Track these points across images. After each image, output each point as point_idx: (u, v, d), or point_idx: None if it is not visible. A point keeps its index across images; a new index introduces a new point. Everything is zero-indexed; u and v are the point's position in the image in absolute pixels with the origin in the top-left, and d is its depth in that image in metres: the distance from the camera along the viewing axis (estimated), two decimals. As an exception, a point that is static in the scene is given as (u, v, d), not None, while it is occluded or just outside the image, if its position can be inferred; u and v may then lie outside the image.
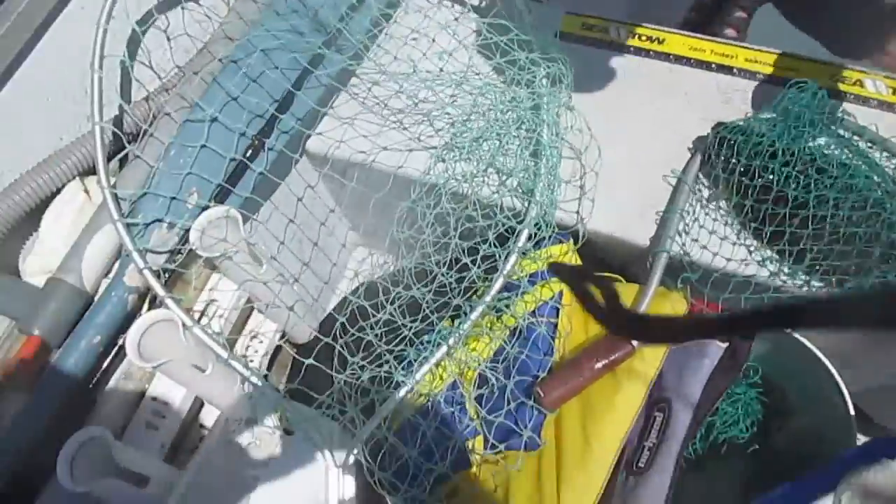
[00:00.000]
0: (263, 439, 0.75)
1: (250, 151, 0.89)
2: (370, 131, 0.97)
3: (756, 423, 0.97)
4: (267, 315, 0.94)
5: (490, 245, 0.89)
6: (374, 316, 0.87)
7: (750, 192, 0.82)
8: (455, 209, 0.91)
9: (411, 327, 0.85)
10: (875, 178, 0.81)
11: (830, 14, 1.16)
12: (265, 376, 0.76)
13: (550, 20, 1.04)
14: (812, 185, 0.79)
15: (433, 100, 0.98)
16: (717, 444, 0.97)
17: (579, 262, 0.91)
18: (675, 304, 0.81)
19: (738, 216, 0.85)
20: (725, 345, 0.80)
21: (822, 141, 0.84)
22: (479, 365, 0.83)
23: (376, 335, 0.86)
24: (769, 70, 0.95)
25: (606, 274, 0.90)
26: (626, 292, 0.84)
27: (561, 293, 0.86)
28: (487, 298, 0.85)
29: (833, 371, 0.84)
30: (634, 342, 0.78)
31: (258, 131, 0.89)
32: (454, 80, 0.98)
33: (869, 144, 0.85)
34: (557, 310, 0.85)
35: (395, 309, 0.88)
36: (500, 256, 0.87)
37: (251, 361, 0.92)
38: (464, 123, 0.96)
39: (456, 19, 1.02)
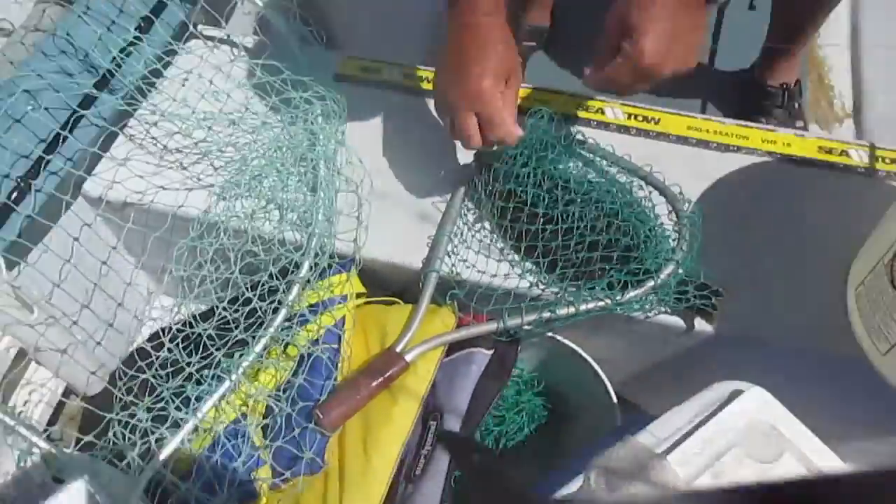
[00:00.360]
0: (31, 490, 0.72)
1: (16, 193, 0.87)
2: (148, 171, 0.97)
3: (544, 429, 1.04)
4: (44, 364, 0.91)
5: (273, 278, 0.91)
6: (157, 357, 0.87)
7: (507, 212, 0.90)
8: (236, 245, 0.92)
9: (194, 364, 0.86)
10: (613, 190, 0.91)
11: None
12: (45, 430, 0.74)
13: (329, 63, 1.09)
14: (558, 201, 0.88)
15: (212, 139, 1.00)
16: (507, 451, 1.03)
17: (360, 288, 0.95)
18: (444, 319, 0.87)
19: (499, 235, 0.93)
20: (491, 351, 0.86)
21: (570, 163, 0.94)
22: (265, 396, 0.85)
23: (160, 376, 0.86)
24: (526, 103, 1.05)
25: (385, 298, 0.95)
26: (402, 313, 0.89)
27: (343, 319, 0.90)
28: (270, 330, 0.87)
29: (596, 367, 0.93)
30: (408, 357, 0.82)
31: (24, 173, 0.87)
32: (231, 119, 1.00)
33: (607, 162, 0.96)
34: (339, 336, 0.88)
35: (179, 348, 0.88)
36: (282, 289, 0.90)
37: (23, 412, 0.88)
38: (243, 161, 0.98)
39: (231, 61, 1.05)
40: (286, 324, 0.89)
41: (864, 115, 1.42)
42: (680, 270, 0.87)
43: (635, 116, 1.04)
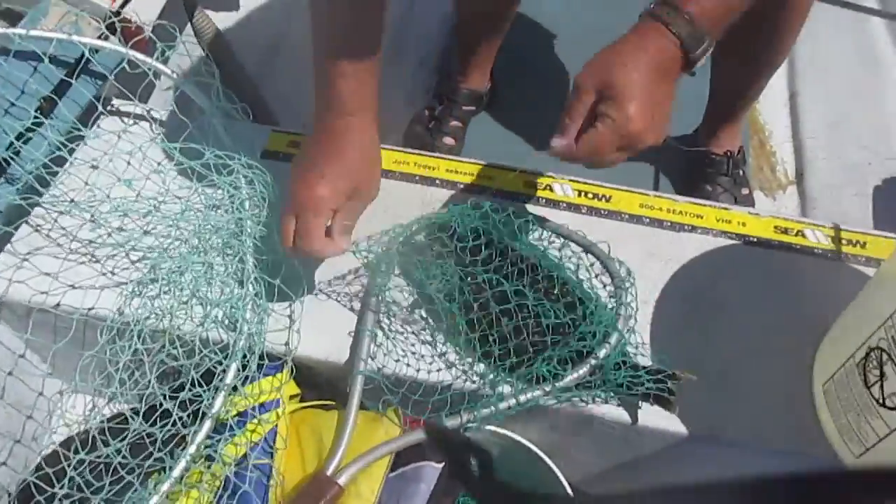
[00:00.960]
0: None
1: None
2: (55, 268, 0.87)
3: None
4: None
5: (195, 385, 0.81)
6: (59, 484, 0.76)
7: (440, 297, 0.83)
8: (153, 349, 0.82)
9: (103, 494, 0.75)
10: (557, 264, 0.86)
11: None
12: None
13: (256, 138, 1.01)
14: (499, 280, 0.82)
15: (127, 228, 0.90)
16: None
17: (295, 390, 0.86)
18: (388, 429, 0.79)
19: (431, 323, 0.85)
20: (441, 465, 0.78)
21: (513, 242, 0.88)
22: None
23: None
24: (468, 179, 0.99)
25: (321, 402, 0.86)
26: (340, 419, 0.80)
27: (274, 432, 0.81)
28: (192, 449, 0.77)
29: (549, 463, 0.85)
30: (341, 480, 0.74)
31: None
32: (150, 206, 0.91)
33: (544, 234, 0.90)
34: (271, 454, 0.79)
35: (84, 472, 0.77)
36: (207, 396, 0.80)
37: None
38: (163, 252, 0.89)
39: (150, 140, 0.96)
40: (209, 440, 0.79)
41: (806, 183, 1.41)
42: (624, 352, 0.81)
43: (586, 194, 0.99)
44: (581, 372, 0.79)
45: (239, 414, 0.82)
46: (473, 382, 0.82)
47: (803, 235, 0.96)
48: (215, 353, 0.83)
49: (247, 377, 0.83)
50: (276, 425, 0.82)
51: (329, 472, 0.75)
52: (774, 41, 1.14)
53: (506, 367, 0.81)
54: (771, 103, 1.54)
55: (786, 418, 0.82)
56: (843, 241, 0.96)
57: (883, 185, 1.38)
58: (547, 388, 0.79)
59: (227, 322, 0.86)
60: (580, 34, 1.61)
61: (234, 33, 1.43)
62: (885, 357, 0.69)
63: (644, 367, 0.79)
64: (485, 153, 1.08)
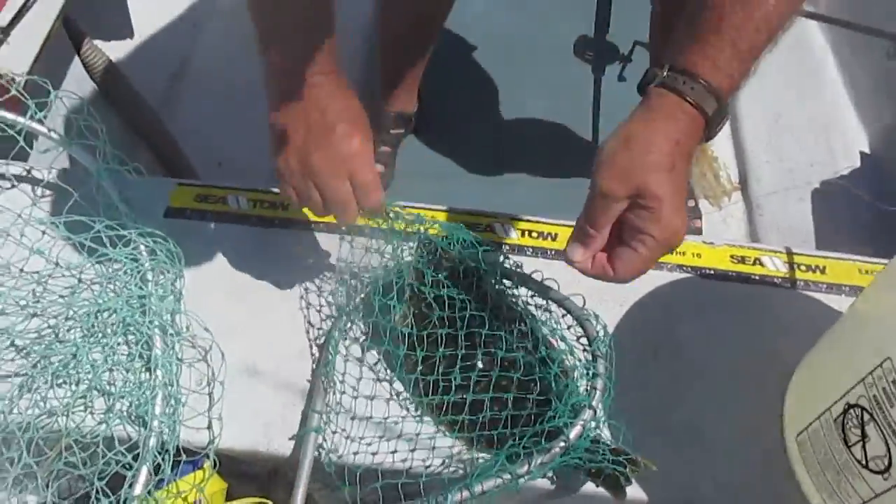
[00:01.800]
0: None
1: None
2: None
3: None
4: None
5: (101, 495, 0.71)
6: None
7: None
8: (47, 458, 0.71)
9: None
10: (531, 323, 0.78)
11: None
12: None
13: (157, 195, 0.90)
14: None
15: (10, 311, 0.79)
16: None
17: (220, 486, 0.76)
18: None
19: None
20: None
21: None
22: None
23: None
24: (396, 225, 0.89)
25: (251, 499, 0.76)
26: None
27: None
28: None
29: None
30: None
31: None
32: (36, 280, 0.80)
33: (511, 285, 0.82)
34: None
35: None
36: (113, 509, 0.70)
37: None
38: (54, 339, 0.78)
39: (32, 205, 0.84)
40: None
41: (751, 189, 1.36)
42: (594, 424, 0.74)
43: (530, 233, 0.92)
44: (549, 456, 0.71)
45: (155, 524, 0.71)
46: (445, 465, 0.73)
47: (761, 263, 0.90)
48: (122, 455, 0.72)
49: (161, 479, 0.72)
50: (199, 535, 0.71)
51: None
52: None
53: (479, 442, 0.74)
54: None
55: (760, 475, 0.76)
56: (802, 267, 0.90)
57: (831, 187, 1.34)
58: (523, 470, 0.71)
59: (133, 416, 0.75)
60: (506, 45, 1.54)
61: (130, 63, 1.30)
62: (866, 416, 0.63)
63: (606, 445, 0.72)
64: (417, 178, 0.99)
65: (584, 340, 0.78)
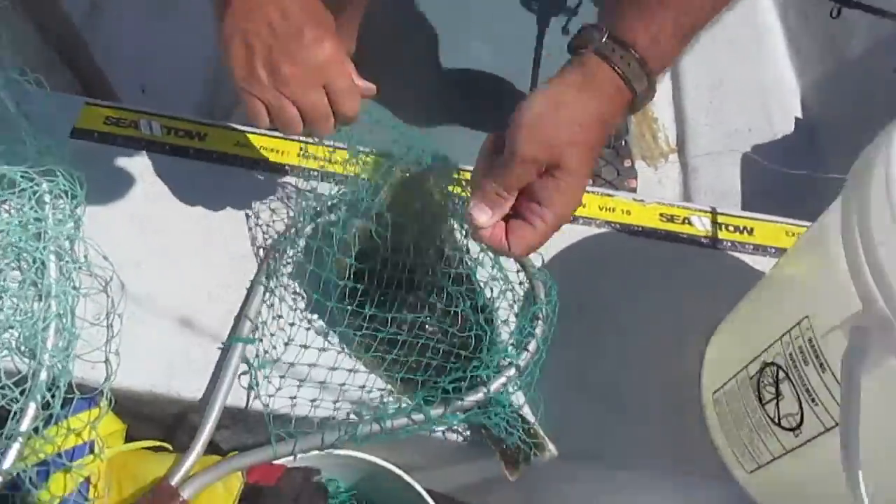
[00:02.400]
0: None
1: None
2: None
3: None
4: None
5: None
6: None
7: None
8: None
9: None
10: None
11: None
12: None
13: (63, 112, 0.83)
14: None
15: None
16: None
17: (116, 426, 0.72)
18: (227, 483, 0.67)
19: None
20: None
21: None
22: None
23: None
24: (334, 167, 0.85)
25: (148, 442, 0.72)
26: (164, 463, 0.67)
27: (87, 484, 0.67)
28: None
29: (419, 489, 0.76)
30: (185, 492, 0.62)
31: None
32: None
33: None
34: (83, 507, 0.65)
35: None
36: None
37: None
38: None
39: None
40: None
41: (688, 151, 1.36)
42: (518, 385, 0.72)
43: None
44: (472, 399, 0.69)
45: (41, 463, 0.67)
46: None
47: (690, 223, 0.89)
48: (9, 389, 0.67)
49: (51, 416, 0.68)
50: (90, 475, 0.67)
51: (173, 482, 0.64)
52: None
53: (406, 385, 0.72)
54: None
55: (674, 432, 0.75)
56: (730, 228, 0.89)
57: (766, 152, 1.35)
58: (436, 413, 0.69)
59: (23, 349, 0.70)
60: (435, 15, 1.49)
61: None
62: (781, 374, 0.63)
63: (523, 419, 0.70)
64: (353, 126, 0.94)
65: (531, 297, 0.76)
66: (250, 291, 0.75)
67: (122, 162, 0.82)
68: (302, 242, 0.77)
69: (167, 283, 0.76)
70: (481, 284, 0.76)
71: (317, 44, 0.63)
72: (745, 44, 1.49)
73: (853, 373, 0.51)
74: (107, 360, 0.72)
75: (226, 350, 0.72)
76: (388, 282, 0.70)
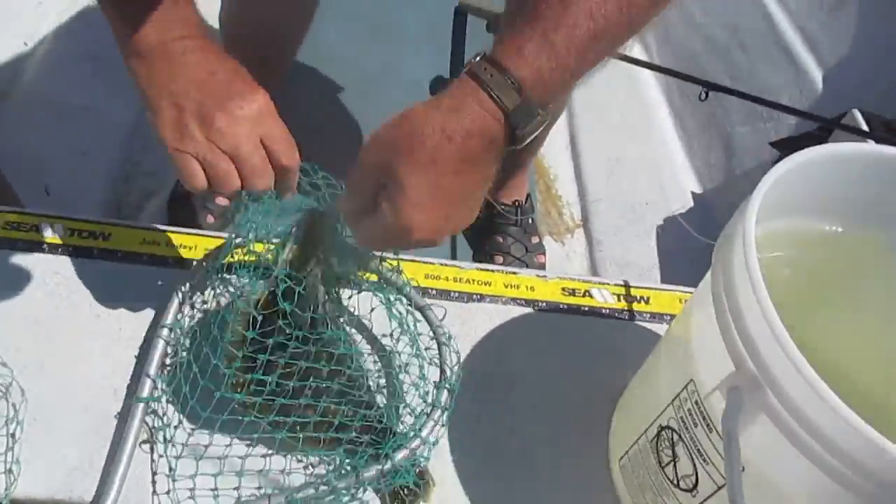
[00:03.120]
0: None
1: None
2: None
3: None
4: None
5: None
6: None
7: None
8: None
9: None
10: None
11: None
12: None
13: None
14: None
15: None
16: None
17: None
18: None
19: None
20: None
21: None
22: None
23: None
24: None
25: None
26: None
27: None
28: None
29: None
30: None
31: None
32: None
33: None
34: None
35: None
36: None
37: None
38: None
39: None
40: None
41: (591, 225, 1.42)
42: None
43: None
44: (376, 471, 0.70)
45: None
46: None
47: (590, 296, 0.93)
48: None
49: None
50: None
51: None
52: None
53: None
54: (554, 146, 1.55)
55: (585, 500, 0.77)
56: (628, 298, 0.94)
57: (664, 223, 1.42)
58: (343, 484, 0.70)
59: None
60: (360, 79, 1.54)
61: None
62: (675, 437, 0.66)
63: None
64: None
65: (436, 362, 0.78)
66: (150, 348, 0.75)
67: (24, 266, 0.81)
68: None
69: (71, 387, 0.74)
70: (387, 352, 0.78)
71: (250, 94, 0.63)
72: (635, 121, 1.59)
73: (731, 431, 0.55)
74: (8, 471, 0.69)
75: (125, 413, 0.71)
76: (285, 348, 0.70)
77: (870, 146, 0.63)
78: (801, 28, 1.44)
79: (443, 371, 0.79)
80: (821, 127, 1.29)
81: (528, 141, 0.58)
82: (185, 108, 0.62)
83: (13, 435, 0.71)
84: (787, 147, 1.37)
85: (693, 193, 1.49)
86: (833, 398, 0.48)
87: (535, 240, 1.33)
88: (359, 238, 0.62)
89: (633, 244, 1.39)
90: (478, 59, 0.55)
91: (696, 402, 0.62)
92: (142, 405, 0.72)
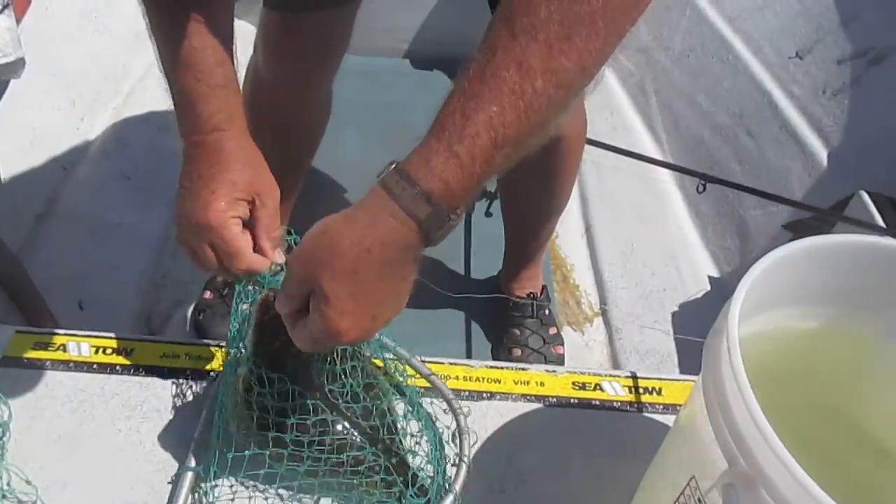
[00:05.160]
0: None
1: None
2: None
3: None
4: None
5: None
6: None
7: None
8: None
9: None
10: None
11: None
12: None
13: (-3, 342, 0.88)
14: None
15: None
16: None
17: None
18: None
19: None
20: None
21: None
22: None
23: None
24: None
25: None
26: None
27: None
28: None
29: None
30: None
31: None
32: None
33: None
34: None
35: None
36: None
37: None
38: None
39: None
40: None
41: (610, 314, 1.43)
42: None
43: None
44: None
45: None
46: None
47: (601, 388, 0.94)
48: None
49: None
50: None
51: None
52: (552, 187, 1.16)
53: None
54: (570, 236, 1.58)
55: None
56: (641, 390, 0.94)
57: (679, 310, 1.43)
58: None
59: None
60: (369, 182, 1.60)
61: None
62: (684, 535, 0.66)
63: None
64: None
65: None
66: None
67: (50, 384, 0.85)
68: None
69: (94, 502, 0.77)
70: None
71: (202, 209, 0.73)
72: (648, 209, 1.61)
73: (730, 530, 0.55)
74: None
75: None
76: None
77: (845, 237, 0.64)
78: (805, 112, 1.47)
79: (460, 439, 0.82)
80: (833, 206, 1.31)
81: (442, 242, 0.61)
82: (182, 198, 0.75)
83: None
84: (800, 228, 1.38)
85: (710, 277, 1.49)
86: (824, 497, 0.48)
87: (552, 331, 1.34)
88: (295, 340, 0.65)
89: (653, 331, 1.39)
90: (392, 167, 0.58)
91: (699, 500, 0.62)
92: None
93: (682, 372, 1.02)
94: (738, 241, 1.48)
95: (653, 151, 1.71)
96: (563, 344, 1.35)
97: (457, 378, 0.92)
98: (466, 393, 0.91)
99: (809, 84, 1.45)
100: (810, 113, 1.45)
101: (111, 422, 0.83)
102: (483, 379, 0.93)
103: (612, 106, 1.85)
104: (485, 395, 0.91)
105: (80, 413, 0.83)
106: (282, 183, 0.91)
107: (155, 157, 1.56)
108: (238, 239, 0.74)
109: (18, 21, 1.21)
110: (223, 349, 0.91)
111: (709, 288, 1.47)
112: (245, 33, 0.91)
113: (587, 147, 1.20)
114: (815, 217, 1.30)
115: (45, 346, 0.89)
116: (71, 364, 0.87)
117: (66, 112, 1.58)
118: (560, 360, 1.32)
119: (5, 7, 1.17)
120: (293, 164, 1.26)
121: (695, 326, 1.39)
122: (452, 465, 0.81)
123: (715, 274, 1.52)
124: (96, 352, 0.89)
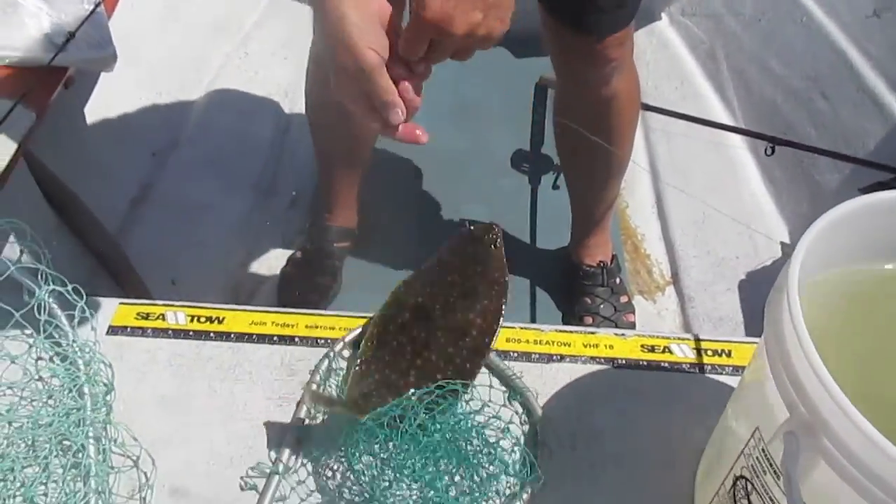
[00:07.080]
0: None
1: None
2: None
3: None
4: None
5: None
6: None
7: None
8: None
9: None
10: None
11: None
12: None
13: (102, 313, 0.96)
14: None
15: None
16: None
17: None
18: None
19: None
20: None
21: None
22: None
23: None
24: (330, 334, 0.95)
25: None
26: None
27: None
28: None
29: None
30: None
31: None
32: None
33: None
34: None
35: None
36: None
37: None
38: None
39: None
40: None
41: (682, 283, 1.43)
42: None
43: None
44: None
45: None
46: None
47: (670, 351, 0.95)
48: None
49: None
50: None
51: None
52: (610, 145, 1.17)
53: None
54: (640, 206, 1.59)
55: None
56: (709, 352, 0.96)
57: (752, 277, 1.42)
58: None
59: (65, 529, 0.78)
60: (444, 160, 1.65)
61: (91, 190, 1.38)
62: (749, 486, 0.68)
63: None
64: (363, 291, 1.05)
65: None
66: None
67: (151, 350, 0.93)
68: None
69: (193, 455, 0.84)
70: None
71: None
72: (721, 177, 1.60)
73: (791, 476, 0.56)
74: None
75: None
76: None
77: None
78: (883, 72, 1.43)
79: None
80: (913, 168, 1.27)
81: None
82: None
83: (144, 499, 0.81)
84: (879, 191, 1.35)
85: (783, 244, 1.48)
86: (882, 441, 0.49)
87: (623, 299, 1.36)
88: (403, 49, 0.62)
89: (725, 299, 1.39)
90: None
91: (763, 450, 0.64)
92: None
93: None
94: (813, 206, 1.45)
95: (724, 119, 1.69)
96: (634, 312, 1.37)
97: (527, 342, 0.96)
98: (537, 355, 0.94)
99: (887, 43, 1.40)
100: (889, 73, 1.41)
101: (207, 383, 0.90)
102: (553, 342, 0.96)
103: (682, 74, 1.83)
104: (554, 357, 0.94)
105: (179, 376, 0.91)
106: (347, 165, 0.94)
107: (236, 142, 1.65)
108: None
109: (109, 17, 1.30)
110: (303, 316, 0.97)
111: (780, 255, 1.46)
112: (307, 12, 0.95)
113: (656, 116, 1.21)
114: (894, 178, 1.27)
115: (145, 316, 0.96)
116: (170, 332, 0.95)
117: (154, 102, 1.68)
118: (632, 329, 1.34)
119: (98, 5, 1.26)
120: (361, 143, 1.31)
121: (767, 294, 1.38)
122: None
123: (788, 240, 1.50)
124: (191, 320, 0.96)
